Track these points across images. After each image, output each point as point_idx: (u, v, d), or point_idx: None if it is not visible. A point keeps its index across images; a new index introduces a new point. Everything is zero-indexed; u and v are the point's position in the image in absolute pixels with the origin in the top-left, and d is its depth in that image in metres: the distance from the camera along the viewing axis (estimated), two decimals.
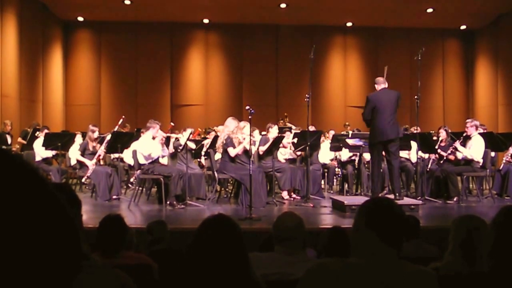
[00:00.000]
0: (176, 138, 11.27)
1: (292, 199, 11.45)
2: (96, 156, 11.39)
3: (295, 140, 11.89)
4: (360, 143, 11.38)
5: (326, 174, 12.96)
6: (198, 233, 2.64)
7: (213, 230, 2.62)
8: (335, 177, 13.77)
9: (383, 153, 9.97)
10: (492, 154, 11.88)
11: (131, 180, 12.35)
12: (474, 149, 10.91)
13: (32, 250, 1.01)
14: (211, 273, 2.51)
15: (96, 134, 11.71)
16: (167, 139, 11.11)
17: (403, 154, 12.00)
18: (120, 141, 11.34)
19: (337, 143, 12.26)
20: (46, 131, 12.62)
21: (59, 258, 1.06)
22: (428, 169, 11.46)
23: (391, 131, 9.47)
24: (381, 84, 9.75)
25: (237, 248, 2.59)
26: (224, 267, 2.52)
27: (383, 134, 9.44)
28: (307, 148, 11.06)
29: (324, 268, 2.39)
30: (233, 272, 2.53)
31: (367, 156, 11.85)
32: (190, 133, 11.06)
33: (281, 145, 11.64)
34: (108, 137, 11.67)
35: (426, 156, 11.93)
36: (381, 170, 10.14)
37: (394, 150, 9.68)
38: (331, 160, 13.15)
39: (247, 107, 9.31)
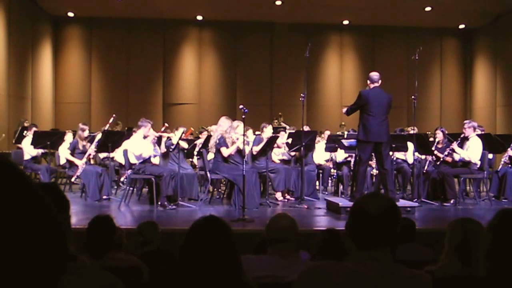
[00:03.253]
0: (168, 138, 11.23)
1: (286, 200, 11.48)
2: (86, 155, 11.32)
3: (290, 140, 11.84)
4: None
5: (321, 175, 12.92)
6: (188, 235, 2.65)
7: (203, 232, 2.62)
8: (330, 178, 13.79)
9: (374, 157, 9.91)
10: (490, 156, 11.99)
11: (122, 179, 12.27)
12: (472, 151, 10.94)
13: (17, 251, 1.04)
14: (202, 275, 2.52)
15: (86, 133, 11.61)
16: (159, 138, 11.08)
17: (399, 155, 12.02)
18: (111, 140, 11.32)
19: (333, 144, 12.19)
20: (34, 129, 12.52)
21: (43, 259, 1.08)
22: (424, 171, 11.44)
23: (384, 133, 9.41)
24: (375, 82, 9.60)
25: (228, 250, 2.59)
26: (215, 269, 2.52)
27: (376, 135, 9.34)
28: (302, 148, 11.12)
29: (317, 271, 2.38)
30: (224, 275, 2.54)
31: None
32: (183, 133, 10.96)
33: (275, 145, 11.65)
34: (99, 136, 11.63)
35: (422, 157, 11.90)
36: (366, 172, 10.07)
37: (386, 153, 9.65)
38: (326, 161, 13.12)
39: (241, 106, 9.36)
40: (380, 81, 9.62)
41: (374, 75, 9.68)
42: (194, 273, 2.52)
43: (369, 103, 9.34)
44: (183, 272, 2.56)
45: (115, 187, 12.61)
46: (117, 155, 12.10)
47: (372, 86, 9.60)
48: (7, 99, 15.52)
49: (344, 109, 10.01)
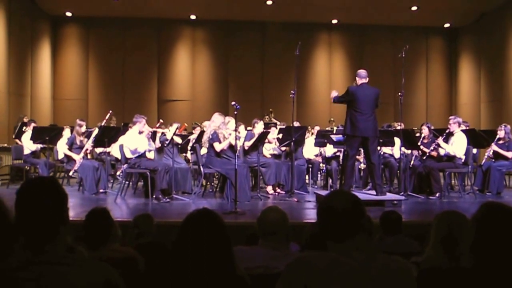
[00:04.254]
0: (163, 133, 11.27)
1: (276, 193, 11.49)
2: (83, 150, 11.39)
3: (280, 135, 11.94)
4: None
5: (310, 169, 12.91)
6: (182, 227, 2.69)
7: (197, 224, 2.67)
8: (319, 172, 13.83)
9: (362, 151, 9.96)
10: (474, 150, 11.97)
11: (118, 173, 12.37)
12: (457, 146, 10.99)
13: None
14: (195, 267, 2.56)
15: (83, 129, 11.72)
16: (154, 134, 11.12)
17: (386, 150, 12.10)
18: (107, 136, 11.32)
19: (322, 139, 12.21)
20: (33, 125, 12.67)
21: None
22: (411, 165, 11.43)
23: (370, 128, 9.45)
24: (363, 78, 9.64)
25: (221, 242, 2.65)
26: (208, 260, 2.57)
27: (362, 129, 9.39)
28: (292, 143, 11.17)
29: (304, 262, 2.46)
30: (217, 266, 2.59)
31: None
32: (177, 128, 11.06)
33: (266, 140, 11.71)
34: (95, 131, 11.66)
35: (409, 152, 11.93)
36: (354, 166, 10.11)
37: (374, 148, 9.67)
38: (316, 155, 13.11)
39: (233, 103, 9.33)
40: (367, 78, 9.66)
41: (362, 72, 9.74)
42: (188, 264, 2.56)
43: (356, 99, 9.40)
44: (177, 263, 2.60)
45: (112, 181, 12.64)
46: (113, 150, 12.15)
47: (360, 82, 9.64)
48: (7, 96, 15.67)
49: (335, 94, 10.03)
